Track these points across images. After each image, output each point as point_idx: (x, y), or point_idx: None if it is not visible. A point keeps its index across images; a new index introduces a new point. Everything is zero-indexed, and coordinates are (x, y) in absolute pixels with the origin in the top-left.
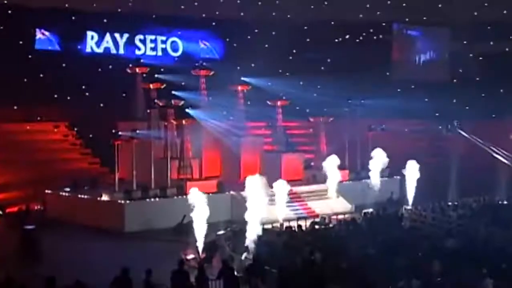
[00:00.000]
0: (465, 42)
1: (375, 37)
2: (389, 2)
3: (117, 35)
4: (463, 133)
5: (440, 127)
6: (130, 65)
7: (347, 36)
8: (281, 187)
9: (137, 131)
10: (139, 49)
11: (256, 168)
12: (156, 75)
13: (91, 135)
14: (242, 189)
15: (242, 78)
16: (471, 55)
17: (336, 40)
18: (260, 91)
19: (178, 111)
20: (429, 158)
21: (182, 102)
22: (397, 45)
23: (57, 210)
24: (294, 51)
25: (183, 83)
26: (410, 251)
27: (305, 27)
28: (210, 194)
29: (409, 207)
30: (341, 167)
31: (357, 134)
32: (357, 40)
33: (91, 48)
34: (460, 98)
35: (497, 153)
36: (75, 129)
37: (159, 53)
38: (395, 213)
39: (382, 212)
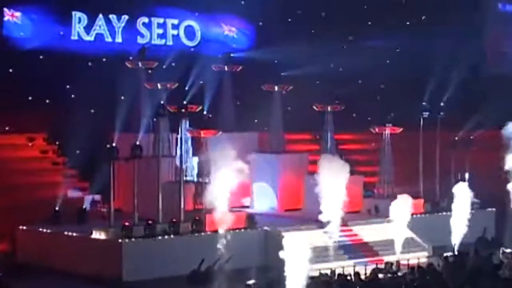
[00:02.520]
0: None
1: (459, 18)
2: None
3: (113, 18)
4: None
5: None
6: (131, 58)
7: (423, 18)
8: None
9: (139, 145)
10: (142, 36)
11: (298, 195)
12: (165, 69)
13: (78, 151)
14: (280, 223)
15: (282, 74)
16: None
17: (408, 23)
18: (304, 92)
19: (195, 119)
20: None
21: (200, 107)
22: (490, 28)
23: (32, 252)
24: (351, 38)
25: (201, 82)
26: None
27: (365, 7)
28: (238, 231)
29: (509, 250)
30: (414, 195)
31: (435, 151)
32: (435, 23)
33: (79, 34)
34: None
35: None
36: (57, 143)
37: (170, 42)
38: (489, 258)
39: (471, 256)
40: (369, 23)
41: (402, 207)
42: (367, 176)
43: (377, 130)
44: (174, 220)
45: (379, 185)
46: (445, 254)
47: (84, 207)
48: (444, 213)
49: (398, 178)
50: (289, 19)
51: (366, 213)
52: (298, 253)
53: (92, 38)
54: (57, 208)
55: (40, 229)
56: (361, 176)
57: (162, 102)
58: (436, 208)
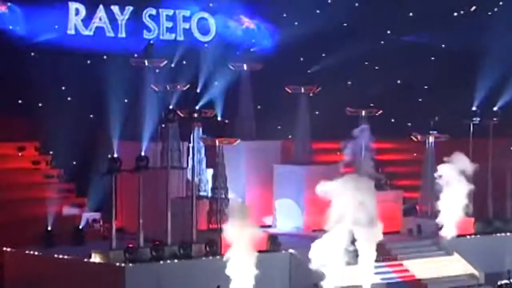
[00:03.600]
0: None
1: None
2: None
3: (115, 9)
4: None
5: None
6: (136, 55)
7: (473, 8)
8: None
9: (145, 155)
10: (149, 30)
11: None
12: (174, 68)
13: (74, 162)
14: (307, 245)
15: (309, 71)
16: None
17: (455, 14)
18: (335, 93)
19: (209, 125)
20: None
21: (214, 112)
22: None
23: (22, 277)
24: (388, 31)
25: (216, 83)
26: None
27: None
28: (259, 253)
29: None
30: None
31: (487, 162)
32: (489, 14)
33: (76, 28)
34: None
35: None
36: (51, 153)
37: (180, 37)
38: None
39: None
40: (410, 14)
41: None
42: (408, 191)
43: (419, 137)
44: (185, 241)
45: (422, 202)
46: (499, 282)
47: (81, 226)
48: (498, 234)
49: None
50: (318, 11)
51: (407, 234)
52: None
53: (91, 33)
54: (49, 228)
55: (31, 252)
56: (400, 191)
57: (171, 105)
58: (488, 228)
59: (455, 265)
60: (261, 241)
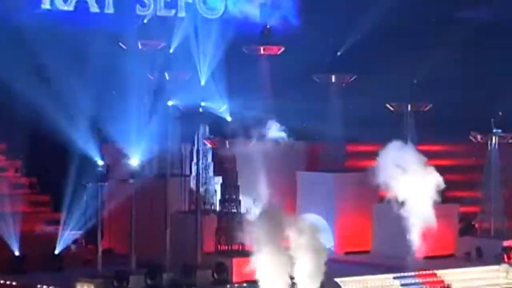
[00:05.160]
0: None
1: None
2: None
3: None
4: None
5: None
6: (127, 36)
7: None
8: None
9: (138, 161)
10: (143, 5)
11: (365, 231)
12: (174, 52)
13: (50, 169)
14: (339, 270)
15: (338, 53)
16: None
17: None
18: (373, 84)
19: (217, 123)
20: None
21: (224, 107)
22: None
23: None
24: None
25: (226, 70)
26: None
27: None
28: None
29: None
30: None
31: None
32: None
33: (52, 2)
34: None
35: None
36: (20, 157)
37: (181, 13)
38: None
39: None
40: None
41: None
42: (464, 205)
43: (479, 138)
44: (188, 265)
45: (483, 218)
46: None
47: (58, 248)
48: None
49: (510, 208)
50: None
51: (464, 258)
52: None
53: (71, 8)
54: (17, 253)
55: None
56: (455, 205)
57: (170, 99)
58: None
59: None
60: None
